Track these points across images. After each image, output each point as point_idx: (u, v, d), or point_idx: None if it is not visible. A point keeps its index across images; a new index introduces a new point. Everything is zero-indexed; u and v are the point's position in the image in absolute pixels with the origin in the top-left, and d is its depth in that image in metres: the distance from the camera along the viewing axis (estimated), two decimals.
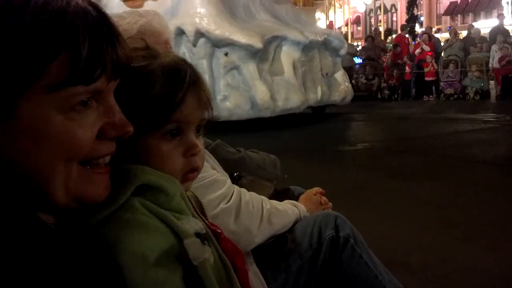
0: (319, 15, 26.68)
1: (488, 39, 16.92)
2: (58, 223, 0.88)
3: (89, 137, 0.84)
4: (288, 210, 1.78)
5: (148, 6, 9.03)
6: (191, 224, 0.96)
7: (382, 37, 20.99)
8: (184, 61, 1.08)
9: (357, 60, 18.50)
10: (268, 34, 9.77)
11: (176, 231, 0.92)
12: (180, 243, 0.92)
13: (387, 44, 19.71)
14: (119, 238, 0.89)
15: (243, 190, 1.70)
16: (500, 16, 19.03)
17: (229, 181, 1.67)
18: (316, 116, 11.55)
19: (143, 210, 0.92)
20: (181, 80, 1.02)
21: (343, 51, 12.11)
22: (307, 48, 10.58)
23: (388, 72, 16.92)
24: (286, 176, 2.37)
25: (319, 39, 11.03)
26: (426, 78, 16.12)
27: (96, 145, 0.85)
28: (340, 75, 11.92)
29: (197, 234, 0.95)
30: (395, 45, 17.44)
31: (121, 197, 0.92)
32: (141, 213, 0.92)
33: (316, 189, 1.99)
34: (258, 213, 1.67)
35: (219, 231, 1.11)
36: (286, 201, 1.85)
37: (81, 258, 0.84)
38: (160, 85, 1.00)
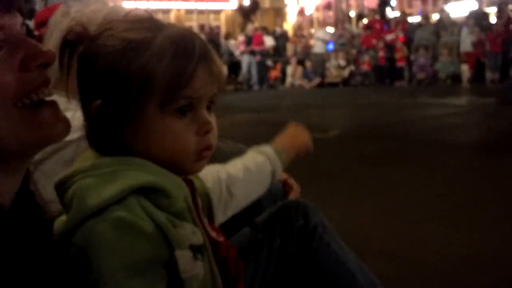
0: (289, 0, 26.60)
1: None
2: (16, 206, 0.85)
3: (10, 74, 0.81)
4: (250, 165, 1.49)
5: None
6: (188, 234, 0.93)
7: (354, 22, 20.91)
8: (191, 32, 1.01)
9: (330, 46, 18.45)
10: None
11: (169, 239, 0.90)
12: (171, 252, 0.90)
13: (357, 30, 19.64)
14: (106, 234, 0.87)
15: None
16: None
17: None
18: None
19: (139, 211, 0.89)
20: (191, 53, 0.95)
21: None
22: None
23: (359, 57, 16.90)
24: None
25: None
26: (398, 64, 16.15)
27: (25, 78, 0.82)
28: None
29: (191, 247, 0.93)
30: (367, 27, 17.33)
31: (118, 194, 0.89)
32: (136, 213, 0.89)
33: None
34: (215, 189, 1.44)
35: (221, 239, 1.06)
36: (249, 152, 1.55)
37: (29, 245, 0.82)
38: (168, 58, 0.93)
